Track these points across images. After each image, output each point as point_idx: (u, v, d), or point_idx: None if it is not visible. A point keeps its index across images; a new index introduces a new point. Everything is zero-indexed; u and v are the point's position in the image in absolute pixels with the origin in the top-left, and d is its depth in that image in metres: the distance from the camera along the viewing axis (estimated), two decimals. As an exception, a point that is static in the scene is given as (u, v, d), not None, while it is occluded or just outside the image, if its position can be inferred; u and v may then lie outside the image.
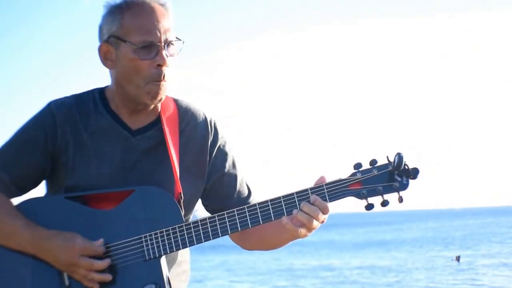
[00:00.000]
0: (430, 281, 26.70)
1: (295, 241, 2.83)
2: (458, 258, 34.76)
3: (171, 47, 2.70)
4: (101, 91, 2.83)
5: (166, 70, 2.69)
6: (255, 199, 2.93)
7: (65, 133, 2.76)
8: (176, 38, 2.72)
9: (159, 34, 2.66)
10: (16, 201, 2.79)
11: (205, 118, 2.88)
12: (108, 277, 2.66)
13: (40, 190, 2.87)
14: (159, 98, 2.71)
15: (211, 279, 29.80)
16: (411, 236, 57.66)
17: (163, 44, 2.67)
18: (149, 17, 2.67)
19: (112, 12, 2.71)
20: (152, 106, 2.78)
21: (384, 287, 26.24)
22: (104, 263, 2.66)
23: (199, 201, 2.92)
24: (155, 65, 2.67)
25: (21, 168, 2.75)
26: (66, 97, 2.82)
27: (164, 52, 2.67)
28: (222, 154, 2.89)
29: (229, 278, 29.71)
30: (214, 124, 2.89)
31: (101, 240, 2.67)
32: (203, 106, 2.92)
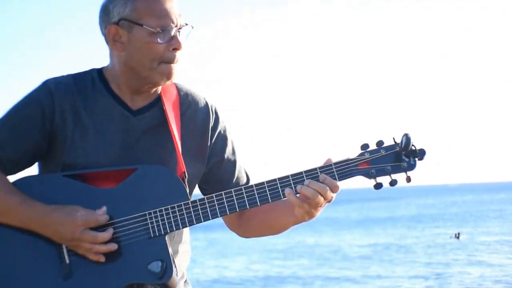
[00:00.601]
0: (430, 258, 26.80)
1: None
2: (457, 235, 34.80)
3: (182, 31, 2.73)
4: (99, 72, 2.81)
5: (179, 54, 2.72)
6: None
7: (63, 110, 2.72)
8: (185, 24, 2.75)
9: (175, 18, 2.70)
10: (11, 179, 2.73)
11: (206, 103, 2.88)
12: (113, 246, 2.63)
13: (33, 170, 2.82)
14: (172, 78, 2.73)
15: (202, 260, 29.43)
16: (407, 213, 57.67)
17: (178, 28, 2.71)
18: (165, 1, 2.70)
19: None
20: (159, 87, 2.78)
21: (387, 264, 26.30)
22: (108, 234, 2.63)
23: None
24: (171, 49, 2.70)
25: (17, 145, 2.70)
26: (62, 76, 2.79)
27: (179, 37, 2.71)
28: (222, 140, 2.88)
29: (219, 259, 29.28)
30: (215, 109, 2.89)
31: (103, 208, 2.64)
32: (204, 92, 2.92)
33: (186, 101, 2.85)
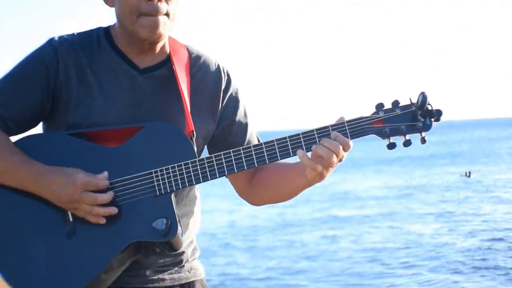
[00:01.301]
0: (441, 197, 26.77)
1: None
2: (468, 174, 34.63)
3: None
4: (106, 30, 2.73)
5: (162, 5, 2.61)
6: None
7: (68, 68, 2.65)
8: None
9: None
10: (14, 138, 2.67)
11: (218, 65, 2.80)
12: (113, 209, 2.57)
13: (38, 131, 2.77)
14: (157, 32, 2.62)
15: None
16: (414, 153, 56.98)
17: None
18: None
19: None
20: (158, 44, 2.69)
21: (395, 200, 26.35)
22: (108, 195, 2.56)
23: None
24: (145, 0, 2.59)
25: (20, 103, 2.64)
26: (68, 34, 2.71)
27: None
28: (234, 102, 2.81)
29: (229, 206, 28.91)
30: (227, 71, 2.81)
31: (105, 173, 2.58)
32: (214, 55, 2.84)
33: (197, 63, 2.78)
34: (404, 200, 26.61)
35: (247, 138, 2.82)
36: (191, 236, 2.81)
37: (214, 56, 2.83)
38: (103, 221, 2.58)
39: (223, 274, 14.51)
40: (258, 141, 2.85)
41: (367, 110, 2.62)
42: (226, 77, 2.80)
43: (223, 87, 2.78)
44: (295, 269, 14.66)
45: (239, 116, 2.81)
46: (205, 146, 2.82)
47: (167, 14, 2.62)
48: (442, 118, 2.58)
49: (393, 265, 14.42)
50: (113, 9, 2.70)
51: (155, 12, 2.60)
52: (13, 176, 2.60)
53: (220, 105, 2.77)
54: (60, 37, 2.70)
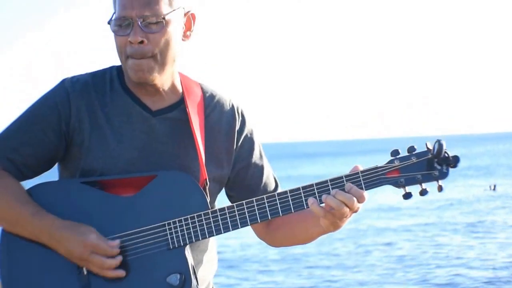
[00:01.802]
0: (466, 210, 26.45)
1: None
2: (494, 187, 34.26)
3: (152, 24, 2.54)
4: (118, 68, 2.69)
5: (146, 47, 2.54)
6: None
7: (80, 111, 2.61)
8: (162, 14, 2.53)
9: (131, 9, 2.52)
10: (27, 184, 2.65)
11: (232, 105, 2.75)
12: (121, 273, 2.54)
13: (53, 173, 2.74)
14: (143, 75, 2.56)
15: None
16: None
17: (137, 20, 2.52)
18: None
19: None
20: (160, 87, 2.62)
21: (423, 212, 26.06)
22: (115, 261, 2.53)
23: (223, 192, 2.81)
24: (128, 42, 2.54)
25: (32, 148, 2.61)
26: (81, 75, 2.68)
27: (137, 29, 2.52)
28: (249, 143, 2.76)
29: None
30: (242, 111, 2.76)
31: (116, 242, 2.55)
32: (230, 93, 2.79)
33: (211, 103, 2.73)
34: (437, 211, 26.32)
35: (264, 180, 2.78)
36: (208, 279, 2.77)
37: (228, 95, 2.78)
38: (112, 277, 2.55)
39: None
40: (275, 181, 2.82)
41: (382, 158, 2.58)
42: (240, 118, 2.75)
43: (237, 128, 2.73)
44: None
45: (255, 158, 2.77)
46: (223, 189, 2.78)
47: (153, 57, 2.56)
48: (459, 165, 2.52)
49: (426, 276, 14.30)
50: None
51: (138, 55, 2.54)
52: (25, 228, 2.57)
53: (234, 147, 2.73)
54: (73, 78, 2.66)
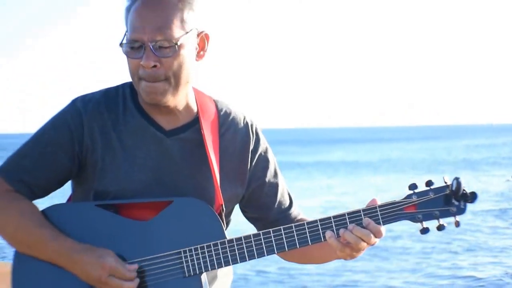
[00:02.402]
0: (487, 202, 26.14)
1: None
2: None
3: (165, 48, 2.51)
4: (131, 86, 2.66)
5: (159, 71, 2.51)
6: (296, 209, 2.81)
7: (93, 132, 2.60)
8: (175, 39, 2.50)
9: (148, 33, 2.49)
10: (41, 202, 2.65)
11: (246, 123, 2.73)
12: None
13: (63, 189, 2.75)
14: (156, 98, 2.54)
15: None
16: (453, 157, 55.94)
17: (150, 44, 2.50)
18: (141, 13, 2.51)
19: (126, 7, 2.58)
20: (174, 107, 2.60)
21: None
22: (133, 285, 2.53)
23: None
24: (141, 66, 2.52)
25: (45, 169, 2.60)
26: (93, 93, 2.66)
27: (150, 53, 2.50)
28: (263, 162, 2.75)
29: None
30: (256, 129, 2.75)
31: (135, 266, 2.54)
32: (244, 110, 2.77)
33: (226, 121, 2.71)
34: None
35: (278, 198, 2.78)
36: None
37: (242, 112, 2.76)
38: None
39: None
40: (290, 199, 2.81)
41: (399, 192, 2.58)
42: (254, 137, 2.74)
43: (251, 147, 2.73)
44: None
45: (269, 176, 2.76)
46: (237, 206, 2.78)
47: (166, 79, 2.54)
48: (476, 201, 2.53)
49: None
50: None
51: (152, 79, 2.52)
52: (43, 251, 2.57)
53: (248, 167, 2.72)
54: (84, 98, 2.64)
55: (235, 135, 2.71)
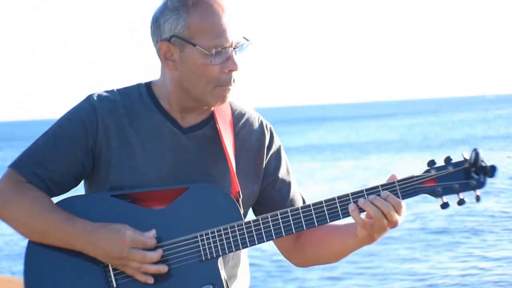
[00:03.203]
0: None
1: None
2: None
3: (239, 48, 2.58)
4: (147, 86, 2.68)
5: (235, 73, 2.57)
6: None
7: (108, 128, 2.60)
8: (244, 38, 2.59)
9: (230, 38, 2.54)
10: (55, 199, 2.63)
11: (261, 122, 2.75)
12: (163, 268, 2.53)
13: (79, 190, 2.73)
14: (226, 101, 2.61)
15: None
16: (452, 134, 54.40)
17: (234, 48, 2.55)
18: (220, 18, 2.54)
19: (176, 9, 2.55)
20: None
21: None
22: (157, 253, 2.53)
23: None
24: (226, 71, 2.55)
25: (59, 164, 2.59)
26: (107, 91, 2.67)
27: (235, 57, 2.56)
28: (276, 159, 2.75)
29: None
30: (270, 128, 2.77)
31: (153, 231, 2.54)
32: (257, 111, 2.80)
33: (241, 121, 2.73)
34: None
35: (291, 196, 2.76)
36: None
37: (256, 112, 2.78)
38: (151, 280, 2.54)
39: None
40: (302, 199, 2.79)
41: (418, 168, 2.56)
42: (269, 134, 2.75)
43: (266, 144, 2.73)
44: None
45: (282, 173, 2.76)
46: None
47: (234, 81, 2.60)
48: (496, 174, 2.51)
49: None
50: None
51: (231, 83, 2.57)
52: (57, 235, 2.56)
53: (263, 164, 2.73)
54: (99, 95, 2.65)
55: (250, 134, 2.72)
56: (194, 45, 2.53)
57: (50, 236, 2.57)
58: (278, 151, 2.77)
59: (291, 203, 2.75)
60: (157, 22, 2.58)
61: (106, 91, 2.67)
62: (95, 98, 2.64)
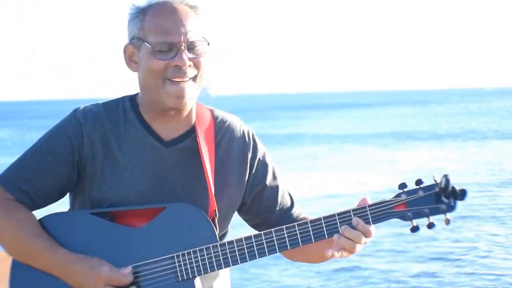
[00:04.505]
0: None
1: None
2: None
3: (196, 48, 2.63)
4: (131, 99, 2.74)
5: (190, 71, 2.61)
6: (297, 209, 2.87)
7: (93, 142, 2.66)
8: (203, 38, 2.64)
9: (179, 35, 2.60)
10: (39, 213, 2.70)
11: (243, 131, 2.80)
12: None
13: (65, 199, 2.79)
14: (183, 100, 2.63)
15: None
16: (453, 127, 52.93)
17: (183, 45, 2.59)
18: (169, 17, 2.61)
19: (137, 13, 2.66)
20: (184, 112, 2.69)
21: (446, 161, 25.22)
22: None
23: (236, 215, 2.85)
24: (173, 66, 2.59)
25: (45, 178, 2.66)
26: (93, 105, 2.73)
27: (184, 53, 2.60)
28: (263, 167, 2.81)
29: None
30: (253, 136, 2.81)
31: (129, 268, 2.60)
32: (239, 118, 2.84)
33: (222, 130, 2.77)
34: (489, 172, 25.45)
35: (279, 200, 2.83)
36: None
37: (238, 119, 2.83)
38: None
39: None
40: (291, 199, 2.86)
41: (389, 192, 2.60)
42: (252, 143, 2.80)
43: (250, 154, 2.78)
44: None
45: (269, 179, 2.81)
46: (235, 212, 2.82)
47: (193, 78, 2.63)
48: (466, 198, 2.55)
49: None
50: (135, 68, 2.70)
51: (180, 77, 2.60)
52: (38, 261, 2.63)
53: (247, 172, 2.77)
54: (85, 108, 2.71)
55: (232, 142, 2.77)
56: (144, 42, 2.61)
57: (30, 260, 2.65)
58: (263, 159, 2.82)
59: (281, 206, 2.82)
60: (127, 28, 2.69)
61: (92, 105, 2.73)
62: (81, 113, 2.69)
